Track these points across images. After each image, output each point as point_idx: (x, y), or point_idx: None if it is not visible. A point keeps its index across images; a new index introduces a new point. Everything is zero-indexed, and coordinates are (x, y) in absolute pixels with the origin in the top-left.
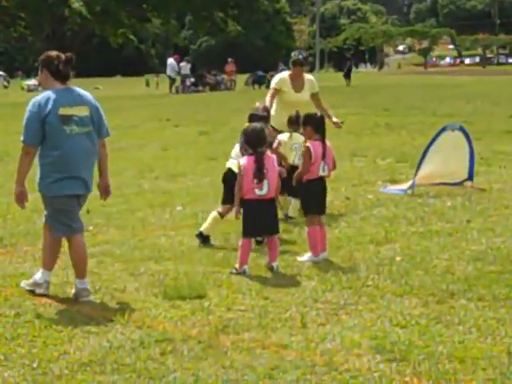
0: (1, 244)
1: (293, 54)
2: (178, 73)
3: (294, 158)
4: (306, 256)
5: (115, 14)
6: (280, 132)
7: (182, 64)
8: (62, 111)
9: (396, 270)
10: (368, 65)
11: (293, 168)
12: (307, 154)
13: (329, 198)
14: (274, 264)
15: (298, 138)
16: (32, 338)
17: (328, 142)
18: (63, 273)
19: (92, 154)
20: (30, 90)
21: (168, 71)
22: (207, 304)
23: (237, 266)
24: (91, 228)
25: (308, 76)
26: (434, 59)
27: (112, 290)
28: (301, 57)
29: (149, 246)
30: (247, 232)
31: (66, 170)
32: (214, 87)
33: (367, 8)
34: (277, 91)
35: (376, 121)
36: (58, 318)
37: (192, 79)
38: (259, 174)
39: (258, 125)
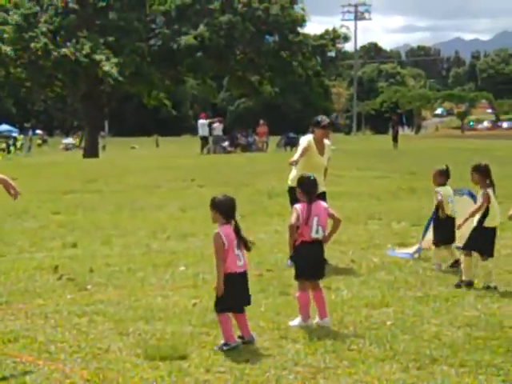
0: None
1: (319, 118)
2: (210, 133)
3: (452, 210)
4: (297, 320)
5: (148, 75)
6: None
7: (215, 125)
8: None
9: (383, 334)
10: (405, 128)
11: (448, 218)
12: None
13: (334, 261)
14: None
15: (450, 190)
16: None
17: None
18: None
19: None
20: (67, 148)
21: (200, 132)
22: (187, 365)
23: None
24: (90, 287)
25: (327, 142)
26: (472, 123)
27: (96, 350)
28: (327, 121)
29: (143, 305)
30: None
31: None
32: (246, 148)
33: (406, 72)
34: (307, 150)
35: (400, 184)
36: (34, 376)
37: (226, 142)
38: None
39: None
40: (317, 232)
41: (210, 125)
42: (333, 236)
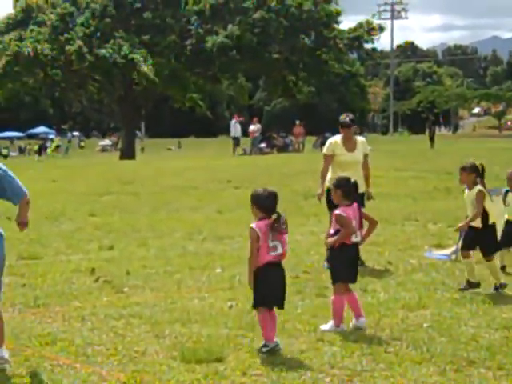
0: (34, 304)
1: (341, 117)
2: (244, 133)
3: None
4: (329, 325)
5: (182, 77)
6: None
7: (252, 127)
8: None
9: (420, 336)
10: (442, 127)
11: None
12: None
13: (370, 262)
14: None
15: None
16: None
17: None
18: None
19: None
20: (103, 150)
21: (232, 132)
22: (223, 368)
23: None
24: (126, 289)
25: (360, 138)
26: (509, 122)
27: (132, 352)
28: (347, 119)
29: (179, 308)
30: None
31: None
32: (282, 149)
33: (442, 71)
34: (330, 157)
35: (436, 184)
36: (71, 379)
37: (262, 143)
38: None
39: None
40: (356, 236)
41: (240, 123)
42: (367, 238)
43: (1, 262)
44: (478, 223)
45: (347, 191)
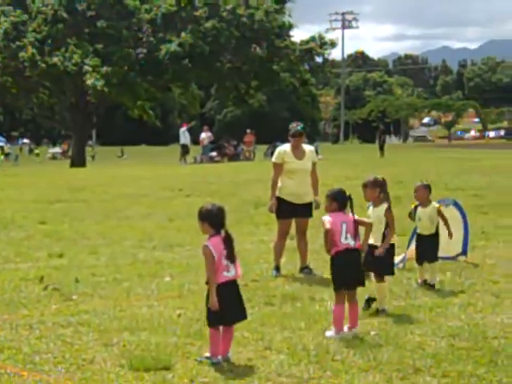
0: None
1: (291, 126)
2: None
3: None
4: (331, 332)
5: (134, 85)
6: (286, 202)
7: (204, 135)
8: None
9: (367, 344)
10: (393, 137)
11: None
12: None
13: (319, 271)
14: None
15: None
16: None
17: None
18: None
19: None
20: (54, 157)
21: (181, 139)
22: (171, 376)
23: None
24: (75, 297)
25: (308, 146)
26: (460, 132)
27: (80, 360)
28: (299, 128)
29: (128, 316)
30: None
31: None
32: (233, 158)
33: (393, 80)
34: (280, 165)
35: None
36: None
37: (213, 151)
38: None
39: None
40: (346, 238)
41: (190, 131)
42: (367, 241)
43: None
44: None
45: (342, 204)
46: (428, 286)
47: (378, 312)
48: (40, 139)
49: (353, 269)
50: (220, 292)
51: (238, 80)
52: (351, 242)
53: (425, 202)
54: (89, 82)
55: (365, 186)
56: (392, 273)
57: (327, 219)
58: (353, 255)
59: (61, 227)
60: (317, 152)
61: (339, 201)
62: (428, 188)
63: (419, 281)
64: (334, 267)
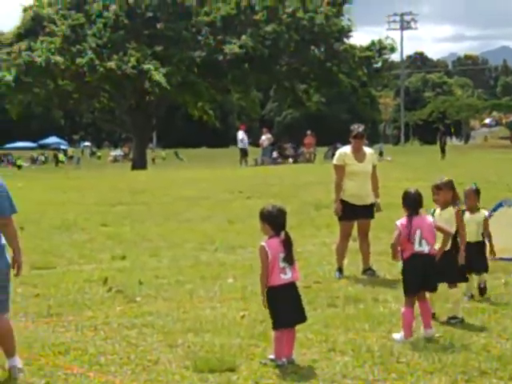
0: (47, 313)
1: (352, 128)
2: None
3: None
4: (399, 335)
5: (194, 85)
6: (348, 204)
7: (264, 137)
8: None
9: (432, 346)
10: (453, 138)
11: None
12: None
13: (382, 272)
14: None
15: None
16: None
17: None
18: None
19: None
20: (115, 160)
21: (239, 143)
22: (235, 377)
23: None
24: (139, 299)
25: (368, 149)
26: None
27: (145, 362)
28: (361, 130)
29: (192, 317)
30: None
31: None
32: (294, 159)
33: (452, 81)
34: (341, 167)
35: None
36: None
37: (274, 153)
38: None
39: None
40: (420, 245)
41: (248, 133)
42: (444, 248)
43: (6, 269)
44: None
45: (409, 203)
46: (479, 289)
47: (449, 319)
48: (101, 142)
49: (424, 275)
50: (277, 294)
51: (296, 82)
52: (425, 248)
53: (474, 208)
54: (155, 78)
55: (438, 187)
56: (464, 279)
57: (399, 223)
58: (425, 261)
59: (122, 229)
60: (382, 154)
61: (411, 205)
62: (478, 193)
63: (467, 294)
64: (405, 272)
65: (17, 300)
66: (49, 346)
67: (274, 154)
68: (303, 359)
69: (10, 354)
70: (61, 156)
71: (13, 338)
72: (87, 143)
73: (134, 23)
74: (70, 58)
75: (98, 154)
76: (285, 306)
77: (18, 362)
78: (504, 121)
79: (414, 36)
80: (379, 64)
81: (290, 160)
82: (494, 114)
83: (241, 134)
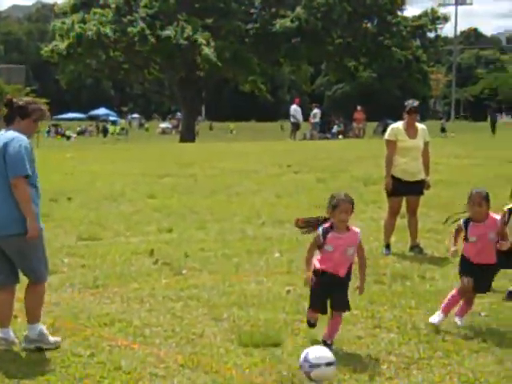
0: (93, 284)
1: (407, 103)
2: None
3: None
4: (436, 317)
5: (245, 60)
6: (398, 180)
7: (314, 111)
8: None
9: (477, 325)
10: (504, 116)
11: None
12: None
13: (429, 250)
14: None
15: None
16: (99, 379)
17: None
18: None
19: None
20: (164, 132)
21: (292, 117)
22: (279, 352)
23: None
24: (185, 272)
25: (421, 125)
26: None
27: (190, 335)
28: (415, 105)
29: (237, 291)
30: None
31: None
32: (343, 134)
33: (506, 58)
34: (393, 142)
35: (497, 172)
36: (129, 360)
37: (323, 128)
38: None
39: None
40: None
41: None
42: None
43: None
44: None
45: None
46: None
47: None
48: (150, 114)
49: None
50: (317, 277)
51: (348, 56)
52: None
53: None
54: (204, 52)
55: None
56: None
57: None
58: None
59: (169, 202)
60: (444, 130)
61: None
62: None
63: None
64: (460, 267)
65: (63, 270)
66: (94, 317)
67: (334, 129)
68: (348, 335)
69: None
70: (112, 128)
71: (11, 308)
72: (136, 115)
73: None
74: (121, 30)
75: (146, 126)
76: (320, 292)
77: (8, 333)
78: None
79: (469, 12)
80: (432, 34)
81: (341, 135)
82: None
83: (294, 108)
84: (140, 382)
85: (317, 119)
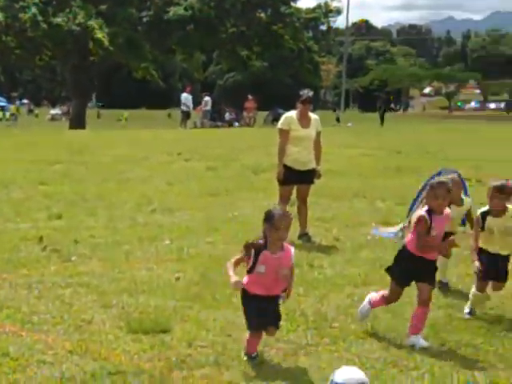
0: None
1: (302, 93)
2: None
3: None
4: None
5: (138, 46)
6: (289, 169)
7: (206, 99)
8: None
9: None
10: (392, 106)
11: None
12: None
13: (318, 238)
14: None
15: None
16: None
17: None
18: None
19: None
20: (53, 119)
21: (183, 106)
22: (169, 339)
23: None
24: (74, 258)
25: (313, 115)
26: (460, 103)
27: (78, 321)
28: (310, 95)
29: (127, 278)
30: None
31: None
32: (233, 123)
33: (395, 50)
34: (286, 131)
35: (386, 163)
36: (17, 346)
37: (214, 116)
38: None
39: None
40: None
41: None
42: None
43: None
44: None
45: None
46: None
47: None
48: (39, 100)
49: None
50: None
51: (241, 44)
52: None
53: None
54: (97, 36)
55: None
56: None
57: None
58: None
59: (60, 188)
60: (338, 120)
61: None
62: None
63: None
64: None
65: None
66: None
67: (213, 118)
68: (237, 322)
69: None
70: (0, 114)
71: None
72: (25, 101)
73: None
74: (12, 15)
75: (36, 112)
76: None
77: None
78: (444, 91)
79: (362, 3)
80: (325, 26)
81: (236, 124)
82: (435, 83)
83: (185, 96)
84: (28, 369)
85: (208, 107)
